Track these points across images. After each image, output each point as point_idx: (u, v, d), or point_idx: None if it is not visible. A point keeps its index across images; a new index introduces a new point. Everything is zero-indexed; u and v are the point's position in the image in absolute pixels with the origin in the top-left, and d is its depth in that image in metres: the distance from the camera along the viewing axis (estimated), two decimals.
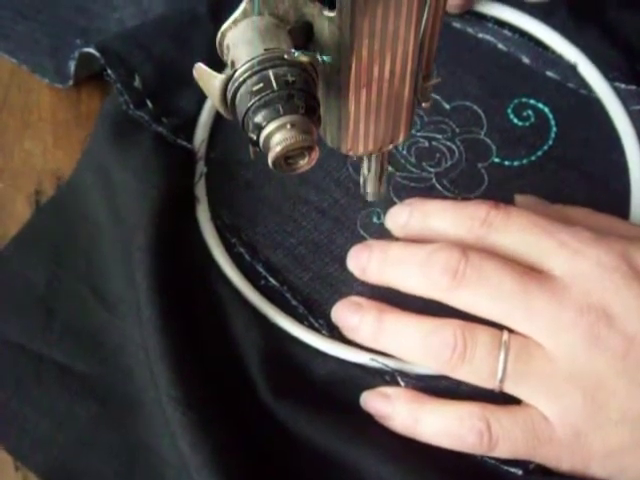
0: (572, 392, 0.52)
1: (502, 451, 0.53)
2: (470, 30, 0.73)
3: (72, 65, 0.69)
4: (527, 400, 0.53)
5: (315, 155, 0.43)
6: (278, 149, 0.41)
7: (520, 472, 0.55)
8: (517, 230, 0.55)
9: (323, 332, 0.61)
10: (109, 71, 0.67)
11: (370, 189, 0.58)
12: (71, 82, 0.70)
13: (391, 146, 0.53)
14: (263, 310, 0.61)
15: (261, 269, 0.63)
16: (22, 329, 0.61)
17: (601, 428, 0.52)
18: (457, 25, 0.73)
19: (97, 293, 0.62)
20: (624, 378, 0.51)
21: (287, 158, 0.42)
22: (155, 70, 0.69)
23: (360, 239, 0.63)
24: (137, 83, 0.67)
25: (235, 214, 0.65)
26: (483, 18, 0.74)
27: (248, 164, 0.67)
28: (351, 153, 0.52)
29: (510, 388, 0.53)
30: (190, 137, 0.67)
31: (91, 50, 0.67)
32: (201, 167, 0.66)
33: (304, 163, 0.43)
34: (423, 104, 0.52)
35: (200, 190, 0.65)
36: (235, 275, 0.62)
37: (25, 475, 0.57)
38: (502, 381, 0.53)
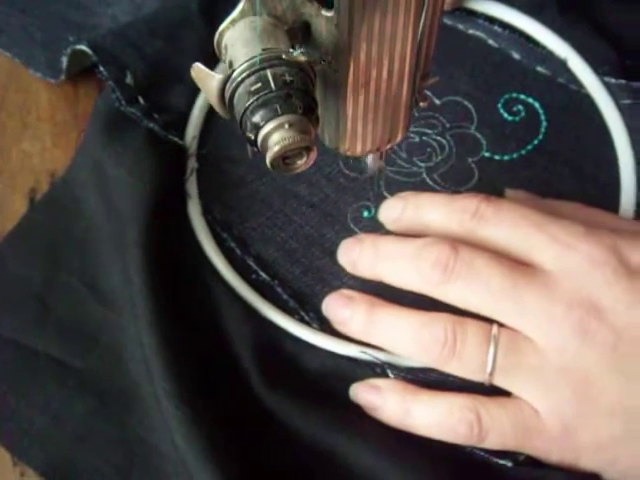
0: (562, 386, 0.52)
1: (492, 442, 0.54)
2: (460, 26, 0.74)
3: (64, 61, 0.69)
4: (517, 393, 0.54)
5: (313, 155, 0.43)
6: (276, 149, 0.41)
7: (510, 464, 0.55)
8: (508, 223, 0.55)
9: (314, 325, 0.61)
10: (101, 68, 0.67)
11: (370, 162, 0.58)
12: (63, 77, 0.70)
13: (389, 146, 0.53)
14: (254, 304, 0.61)
15: (252, 263, 0.63)
16: (17, 325, 0.61)
17: (591, 421, 0.52)
18: (448, 22, 0.73)
19: (92, 288, 0.62)
20: (613, 372, 0.51)
21: (285, 158, 0.42)
22: (147, 67, 0.69)
23: (350, 233, 0.64)
24: (129, 80, 0.67)
25: (226, 209, 0.65)
26: (473, 14, 0.74)
27: (239, 160, 0.67)
28: (349, 153, 0.52)
29: (500, 381, 0.53)
30: (181, 133, 0.68)
31: (83, 47, 0.68)
32: (192, 163, 0.66)
33: (302, 163, 0.43)
34: (420, 104, 0.52)
35: (191, 186, 0.66)
36: (226, 270, 0.62)
37: (23, 470, 0.57)
38: (492, 374, 0.53)
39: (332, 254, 0.62)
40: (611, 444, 0.52)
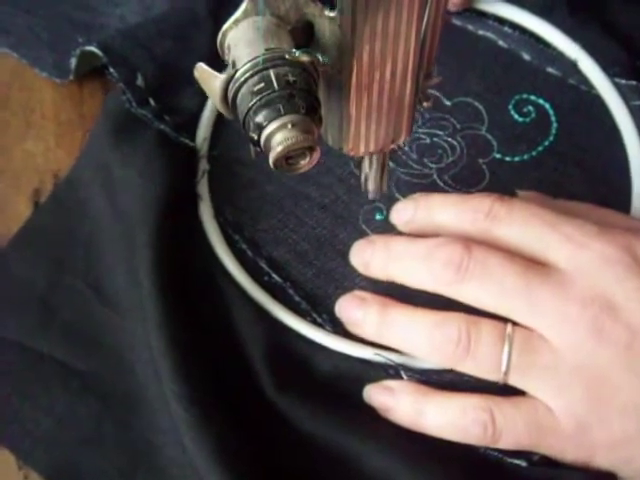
0: (576, 384, 0.52)
1: (506, 443, 0.54)
2: (470, 27, 0.74)
3: (73, 62, 0.70)
4: (531, 392, 0.53)
5: (316, 155, 0.43)
6: (279, 149, 0.42)
7: (524, 464, 0.55)
8: (521, 222, 0.55)
9: (326, 327, 0.61)
10: (111, 70, 0.67)
11: (371, 187, 0.59)
12: (71, 77, 0.71)
13: (392, 146, 0.53)
14: (266, 306, 0.61)
15: (264, 265, 0.63)
16: (22, 327, 0.61)
17: (605, 420, 0.52)
18: (457, 22, 0.74)
19: (97, 290, 0.62)
20: (628, 370, 0.51)
21: (288, 158, 0.43)
22: (157, 69, 0.69)
23: (362, 234, 0.64)
24: (139, 82, 0.67)
25: (238, 211, 0.65)
26: (483, 15, 0.74)
27: (250, 162, 0.67)
28: (352, 153, 0.52)
29: (514, 381, 0.53)
30: (192, 135, 0.68)
31: (93, 49, 0.68)
32: (203, 165, 0.67)
33: (305, 163, 0.43)
34: (424, 104, 0.52)
35: (202, 188, 0.66)
36: (238, 272, 0.62)
37: (27, 474, 0.57)
38: (506, 374, 0.53)
39: (344, 255, 0.62)
40: (625, 442, 0.52)
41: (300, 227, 0.65)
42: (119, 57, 0.68)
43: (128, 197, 0.63)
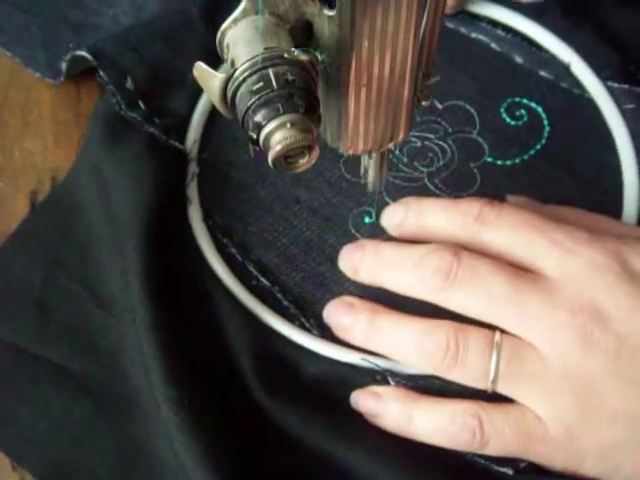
0: (565, 392, 0.52)
1: (494, 449, 0.53)
2: (463, 30, 0.73)
3: (64, 65, 0.69)
4: (520, 400, 0.53)
5: (315, 154, 0.43)
6: (278, 148, 0.41)
7: (511, 472, 0.54)
8: (509, 228, 0.55)
9: (314, 332, 0.60)
10: (101, 73, 0.67)
11: (371, 178, 0.58)
12: (62, 79, 0.70)
13: (391, 144, 0.53)
14: (255, 310, 0.61)
15: (253, 269, 0.63)
16: (18, 329, 0.61)
17: (594, 428, 0.52)
18: (450, 25, 0.73)
19: (93, 293, 0.62)
20: (616, 378, 0.51)
21: (287, 157, 0.42)
22: (147, 72, 0.69)
23: (352, 238, 0.63)
24: (129, 84, 0.67)
25: (227, 214, 0.65)
26: (476, 18, 0.74)
27: (240, 165, 0.67)
28: (351, 152, 0.52)
29: (503, 389, 0.53)
30: (182, 138, 0.67)
31: (83, 53, 0.68)
32: (193, 168, 0.66)
33: (304, 162, 0.43)
34: (422, 102, 0.52)
35: (192, 191, 0.65)
36: (227, 275, 0.62)
37: (22, 475, 0.57)
38: (495, 382, 0.53)
39: (333, 260, 0.62)
40: (614, 450, 0.52)
41: (289, 231, 0.64)
42: (109, 60, 0.68)
43: (120, 201, 0.62)
